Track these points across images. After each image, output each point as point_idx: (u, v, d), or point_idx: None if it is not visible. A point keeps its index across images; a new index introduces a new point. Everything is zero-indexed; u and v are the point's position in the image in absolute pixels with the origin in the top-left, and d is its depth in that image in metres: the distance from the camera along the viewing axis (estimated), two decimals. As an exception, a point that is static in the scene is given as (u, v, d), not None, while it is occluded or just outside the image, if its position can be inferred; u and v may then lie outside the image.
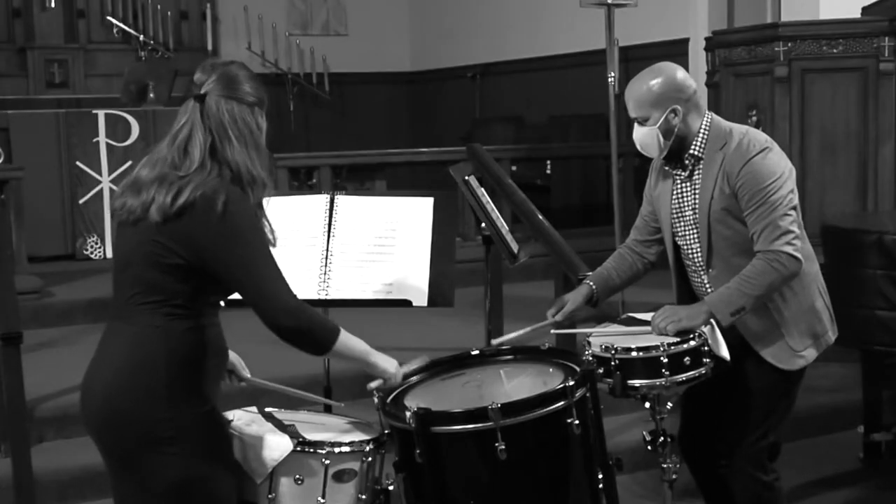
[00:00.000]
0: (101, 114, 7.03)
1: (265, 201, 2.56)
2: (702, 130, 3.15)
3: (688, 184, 3.20)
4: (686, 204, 3.21)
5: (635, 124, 3.17)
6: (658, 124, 3.10)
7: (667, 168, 3.26)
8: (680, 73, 3.16)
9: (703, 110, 3.18)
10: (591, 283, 3.35)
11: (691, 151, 3.16)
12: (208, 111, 2.50)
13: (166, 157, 2.49)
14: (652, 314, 3.28)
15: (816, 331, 3.19)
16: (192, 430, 2.47)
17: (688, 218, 3.21)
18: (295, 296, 2.46)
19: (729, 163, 3.08)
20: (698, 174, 3.17)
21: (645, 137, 3.15)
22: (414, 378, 2.95)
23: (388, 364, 2.76)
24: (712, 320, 3.07)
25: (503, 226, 3.89)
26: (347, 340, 2.59)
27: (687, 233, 3.22)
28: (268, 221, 2.57)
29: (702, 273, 3.21)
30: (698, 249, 3.20)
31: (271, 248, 2.48)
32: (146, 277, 2.47)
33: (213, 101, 2.50)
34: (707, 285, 3.20)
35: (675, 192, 3.23)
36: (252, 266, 2.42)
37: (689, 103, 3.13)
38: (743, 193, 3.05)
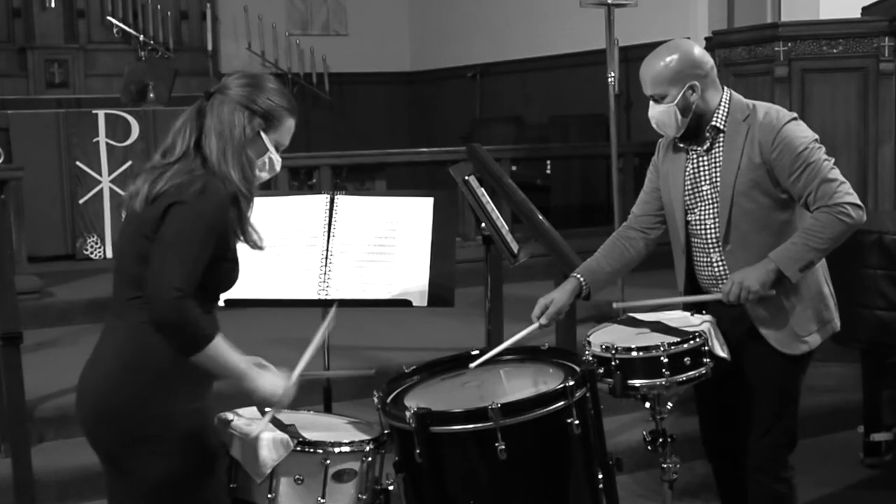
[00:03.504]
0: (101, 114, 7.02)
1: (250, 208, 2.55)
2: (722, 104, 3.10)
3: (706, 158, 3.13)
4: (703, 178, 3.14)
5: (651, 102, 3.10)
6: (676, 101, 3.04)
7: (681, 144, 3.18)
8: (696, 49, 3.10)
9: (720, 86, 3.13)
10: (579, 276, 3.25)
11: (713, 123, 3.10)
12: (206, 107, 2.54)
13: (164, 143, 2.56)
14: (652, 314, 3.28)
15: (823, 317, 3.16)
16: (179, 429, 2.47)
17: (704, 192, 3.14)
18: (184, 292, 2.35)
19: (761, 132, 3.03)
20: (719, 146, 3.11)
21: (662, 115, 3.08)
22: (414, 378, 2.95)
23: (269, 385, 2.56)
24: (710, 325, 3.07)
25: (503, 226, 3.89)
26: (219, 353, 2.44)
27: (702, 208, 3.15)
28: (251, 227, 2.55)
29: (712, 251, 3.15)
30: (714, 225, 3.13)
31: (203, 251, 2.41)
32: (134, 273, 2.48)
33: (217, 100, 2.54)
34: (718, 263, 3.14)
35: (689, 168, 3.16)
36: (167, 250, 2.39)
37: (707, 79, 3.08)
38: (782, 160, 3.00)
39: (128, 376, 2.46)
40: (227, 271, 2.54)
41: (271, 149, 2.59)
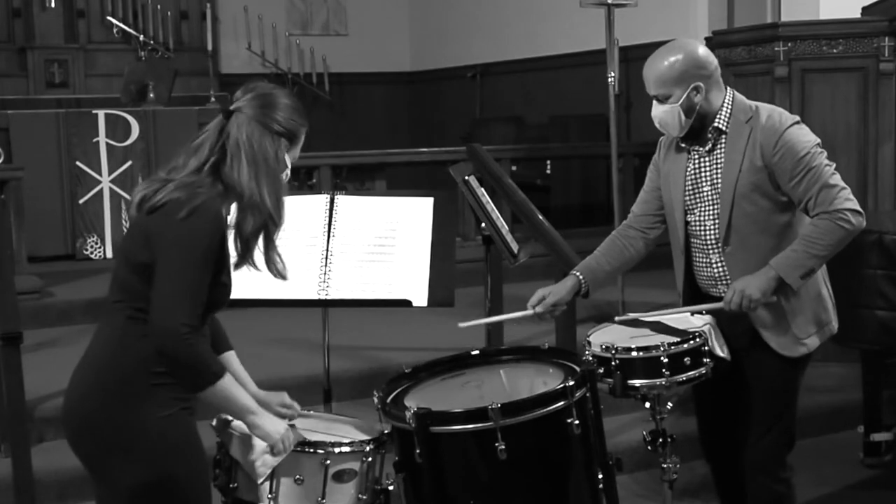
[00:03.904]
0: (101, 114, 7.03)
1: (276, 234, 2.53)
2: (725, 105, 3.09)
3: (707, 158, 3.13)
4: (704, 179, 3.14)
5: (654, 102, 3.09)
6: (680, 102, 3.04)
7: (682, 144, 3.18)
8: (701, 49, 3.10)
9: (723, 87, 3.12)
10: (578, 273, 3.25)
11: (715, 124, 3.09)
12: (229, 129, 2.49)
13: (175, 161, 2.51)
14: (652, 313, 3.28)
15: (821, 319, 3.16)
16: (151, 436, 2.44)
17: (705, 193, 3.14)
18: (193, 327, 2.34)
19: (763, 135, 3.03)
20: (721, 148, 3.10)
21: (665, 115, 3.08)
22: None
23: (271, 427, 2.56)
24: (710, 325, 3.07)
25: (503, 226, 3.89)
26: (226, 391, 2.44)
27: (702, 209, 3.14)
28: (278, 255, 2.56)
29: (712, 252, 3.14)
30: (714, 226, 3.12)
31: (206, 274, 2.38)
32: (119, 275, 2.47)
33: (239, 120, 2.49)
34: (717, 264, 3.14)
35: (690, 168, 3.16)
36: (170, 278, 2.35)
37: (711, 80, 3.07)
38: (784, 165, 3.00)
39: (99, 382, 2.45)
40: (220, 292, 2.50)
41: (289, 165, 2.58)
